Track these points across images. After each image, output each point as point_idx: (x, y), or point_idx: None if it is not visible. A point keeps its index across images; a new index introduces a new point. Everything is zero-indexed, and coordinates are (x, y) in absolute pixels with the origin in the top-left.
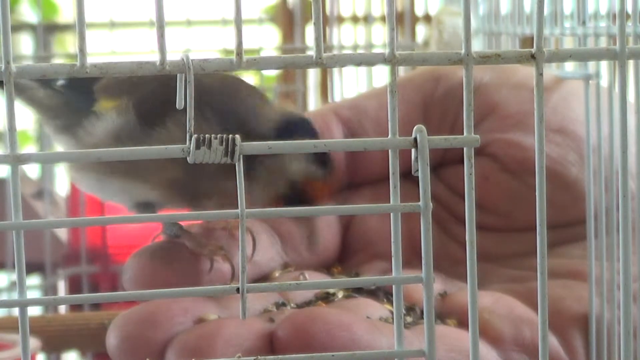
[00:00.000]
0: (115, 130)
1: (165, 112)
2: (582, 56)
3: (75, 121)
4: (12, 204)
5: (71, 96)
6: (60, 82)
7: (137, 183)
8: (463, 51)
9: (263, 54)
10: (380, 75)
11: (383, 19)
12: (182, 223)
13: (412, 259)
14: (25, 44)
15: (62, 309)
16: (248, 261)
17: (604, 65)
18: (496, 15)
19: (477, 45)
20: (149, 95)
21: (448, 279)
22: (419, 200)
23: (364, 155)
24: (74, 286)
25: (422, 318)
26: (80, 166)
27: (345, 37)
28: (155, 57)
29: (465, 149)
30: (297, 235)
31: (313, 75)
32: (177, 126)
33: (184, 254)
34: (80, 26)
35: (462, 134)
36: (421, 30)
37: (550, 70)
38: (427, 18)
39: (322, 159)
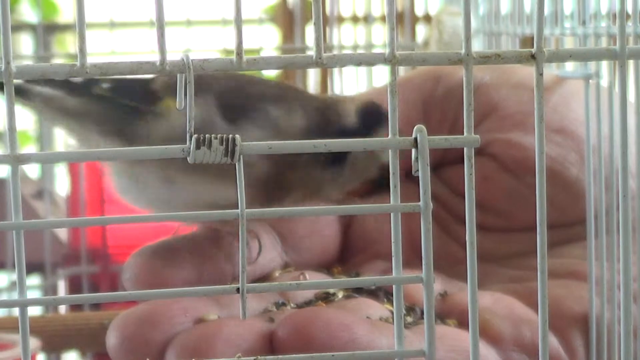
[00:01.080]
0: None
1: (247, 108)
2: (582, 56)
3: (132, 123)
4: (12, 204)
5: (124, 98)
6: (105, 85)
7: (215, 184)
8: (463, 51)
9: (263, 54)
10: (381, 75)
11: (383, 19)
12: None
13: (412, 258)
14: (25, 44)
15: (62, 309)
16: (251, 263)
17: (604, 65)
18: (496, 15)
19: (477, 45)
20: (232, 91)
21: (448, 279)
22: (419, 200)
23: None
24: (74, 286)
25: (422, 318)
26: (140, 168)
27: (345, 37)
28: (155, 57)
29: (465, 149)
30: (298, 235)
31: (313, 75)
32: (261, 122)
33: (185, 253)
34: (80, 26)
35: (462, 134)
36: (421, 30)
37: (551, 70)
38: (427, 18)
39: None
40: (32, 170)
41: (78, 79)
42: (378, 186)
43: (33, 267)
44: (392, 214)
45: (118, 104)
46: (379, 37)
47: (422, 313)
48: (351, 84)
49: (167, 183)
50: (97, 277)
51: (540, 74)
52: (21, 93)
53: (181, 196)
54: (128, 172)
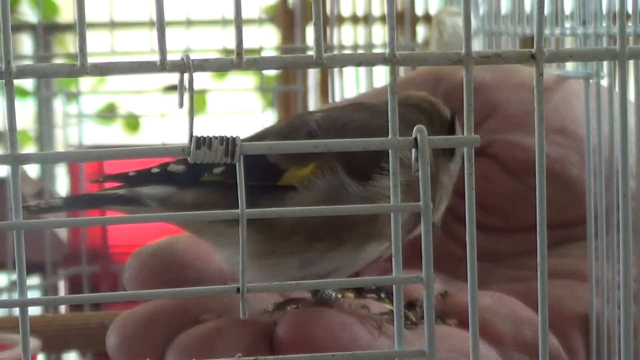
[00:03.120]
0: (323, 195)
1: (370, 163)
2: (582, 56)
3: (258, 203)
4: (12, 204)
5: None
6: (217, 170)
7: (357, 249)
8: (463, 51)
9: (263, 54)
10: (381, 76)
11: (383, 19)
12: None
13: (412, 258)
14: (25, 44)
15: (62, 309)
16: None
17: (604, 65)
18: (496, 15)
19: (477, 45)
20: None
21: (449, 279)
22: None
23: None
24: (74, 286)
25: (423, 318)
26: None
27: (345, 37)
28: (155, 57)
29: (465, 149)
30: None
31: (313, 75)
32: (387, 175)
33: (184, 253)
34: (80, 26)
35: (463, 134)
36: (421, 30)
37: (551, 70)
38: (427, 18)
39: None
40: (32, 170)
41: (181, 168)
42: None
43: (33, 267)
44: (392, 214)
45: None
46: (379, 37)
47: (423, 312)
48: (351, 84)
49: (307, 263)
50: (97, 277)
51: (540, 74)
52: (135, 202)
53: (320, 272)
54: (261, 264)
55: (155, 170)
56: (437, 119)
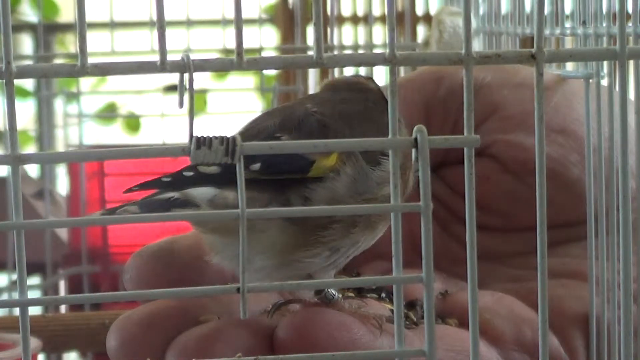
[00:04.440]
0: (351, 181)
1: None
2: (582, 56)
3: (290, 197)
4: (12, 204)
5: (277, 173)
6: (255, 166)
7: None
8: (463, 51)
9: (263, 54)
10: (381, 76)
11: (383, 19)
12: None
13: (413, 258)
14: (25, 44)
15: (62, 309)
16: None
17: (605, 65)
18: (496, 15)
19: (477, 45)
20: (366, 133)
21: (449, 278)
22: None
23: None
24: (75, 286)
25: (423, 318)
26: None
27: (345, 37)
28: (155, 57)
29: (465, 149)
30: None
31: (313, 75)
32: (385, 157)
33: (185, 254)
34: (80, 26)
35: (463, 134)
36: (421, 30)
37: (551, 70)
38: (427, 18)
39: None
40: (33, 170)
41: (214, 169)
42: None
43: (33, 267)
44: (392, 214)
45: (272, 182)
46: (379, 37)
47: (423, 312)
48: None
49: (334, 252)
50: (98, 277)
51: (540, 74)
52: (189, 204)
53: (339, 261)
54: (294, 257)
55: (187, 173)
56: (371, 97)
